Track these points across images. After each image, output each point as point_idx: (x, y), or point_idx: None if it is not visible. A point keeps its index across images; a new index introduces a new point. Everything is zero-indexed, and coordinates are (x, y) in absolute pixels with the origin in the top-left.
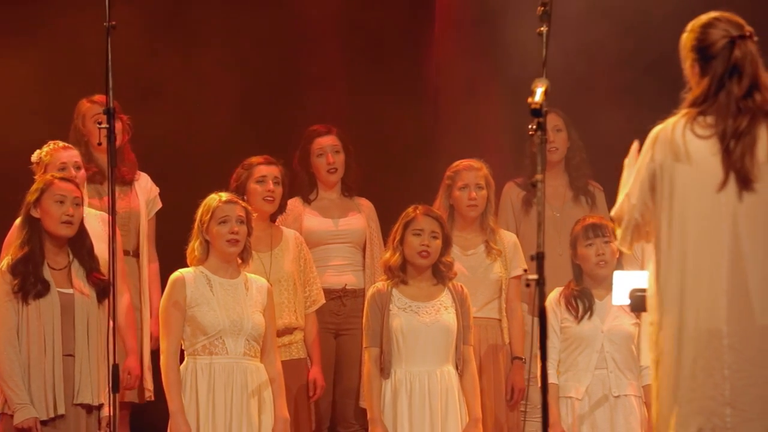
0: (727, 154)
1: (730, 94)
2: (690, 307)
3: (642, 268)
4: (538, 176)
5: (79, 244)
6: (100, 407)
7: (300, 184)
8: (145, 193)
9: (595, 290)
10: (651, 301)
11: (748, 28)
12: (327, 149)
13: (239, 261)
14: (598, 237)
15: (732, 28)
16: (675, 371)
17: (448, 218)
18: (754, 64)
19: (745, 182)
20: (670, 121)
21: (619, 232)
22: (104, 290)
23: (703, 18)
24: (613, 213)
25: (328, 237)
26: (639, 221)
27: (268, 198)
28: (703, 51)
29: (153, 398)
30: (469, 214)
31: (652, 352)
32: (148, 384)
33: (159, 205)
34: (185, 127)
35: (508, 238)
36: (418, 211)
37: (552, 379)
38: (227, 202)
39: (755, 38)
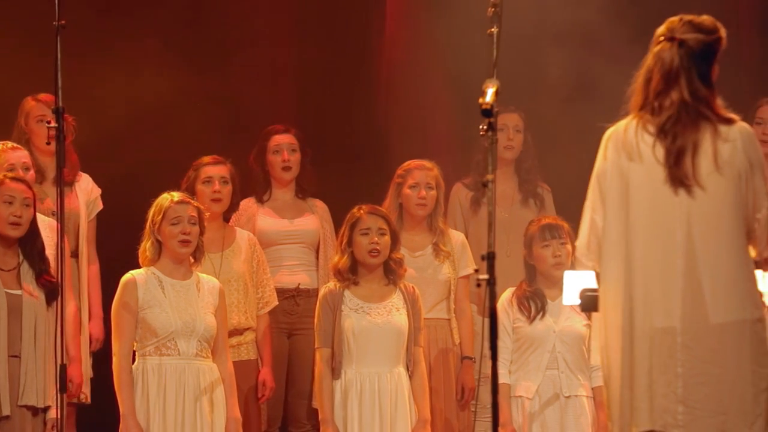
0: (665, 150)
1: (668, 96)
2: (644, 306)
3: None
4: (489, 176)
5: (31, 245)
6: (46, 409)
7: (255, 181)
8: (85, 194)
9: (547, 291)
10: (603, 300)
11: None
12: (284, 147)
13: (191, 260)
14: (554, 238)
15: (684, 29)
16: (629, 369)
17: (397, 218)
18: (670, 65)
19: (684, 183)
20: (622, 123)
21: (590, 258)
22: (53, 292)
23: (675, 17)
24: (579, 243)
25: (282, 237)
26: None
27: (215, 198)
28: (654, 51)
29: (89, 401)
30: (417, 212)
31: (603, 351)
32: (84, 387)
33: (100, 206)
34: (128, 129)
35: (456, 237)
36: (362, 211)
37: (504, 379)
38: (179, 202)
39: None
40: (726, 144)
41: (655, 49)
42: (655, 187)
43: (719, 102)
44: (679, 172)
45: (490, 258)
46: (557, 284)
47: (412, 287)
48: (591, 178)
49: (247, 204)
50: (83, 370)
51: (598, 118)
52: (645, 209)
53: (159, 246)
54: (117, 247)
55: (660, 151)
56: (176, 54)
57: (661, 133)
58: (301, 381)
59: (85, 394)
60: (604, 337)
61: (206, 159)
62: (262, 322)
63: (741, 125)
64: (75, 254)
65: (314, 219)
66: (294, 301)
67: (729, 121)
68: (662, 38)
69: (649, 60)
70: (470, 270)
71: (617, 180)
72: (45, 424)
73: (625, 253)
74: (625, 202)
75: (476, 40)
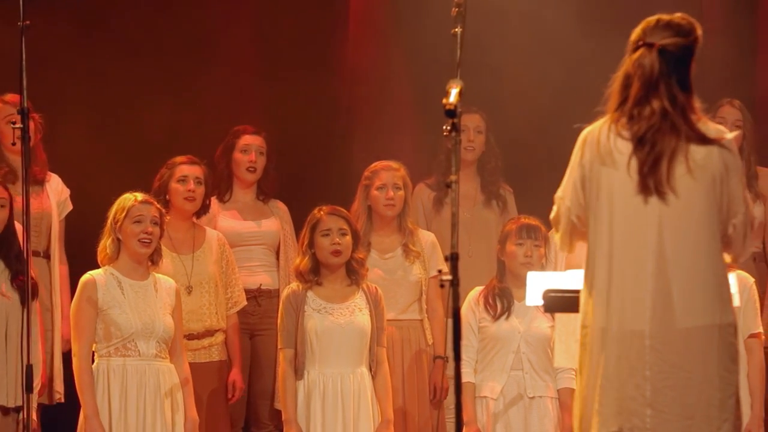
0: (640, 158)
1: (648, 104)
2: (616, 308)
3: (555, 270)
4: (453, 177)
5: (8, 245)
6: (18, 409)
7: (218, 177)
8: (56, 194)
9: (516, 291)
10: (581, 302)
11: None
12: (252, 148)
13: (149, 263)
14: (530, 239)
15: (662, 34)
16: (599, 371)
17: (366, 220)
18: (650, 72)
19: (657, 190)
20: (597, 124)
21: (557, 236)
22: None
23: (651, 18)
24: (551, 216)
25: (244, 239)
26: (576, 223)
27: (189, 197)
28: (630, 52)
29: (63, 400)
30: (386, 213)
31: (579, 352)
32: (58, 386)
33: (69, 207)
34: (96, 129)
35: (426, 237)
36: (322, 212)
37: (468, 377)
38: (143, 202)
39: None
40: (702, 147)
41: (635, 55)
42: (628, 192)
43: (697, 105)
44: (653, 179)
45: (453, 259)
46: (525, 283)
47: (375, 287)
48: (565, 177)
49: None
50: (56, 369)
51: (564, 120)
52: (619, 212)
53: (118, 244)
54: (83, 247)
55: (634, 162)
56: (141, 53)
57: (639, 143)
58: (263, 381)
59: (59, 393)
60: (582, 337)
61: (181, 158)
62: (231, 322)
63: (718, 128)
64: (47, 254)
65: (275, 220)
66: (256, 302)
67: (704, 140)
68: (641, 44)
69: (627, 64)
70: (437, 271)
71: (592, 183)
72: (17, 424)
73: (601, 256)
74: (599, 205)
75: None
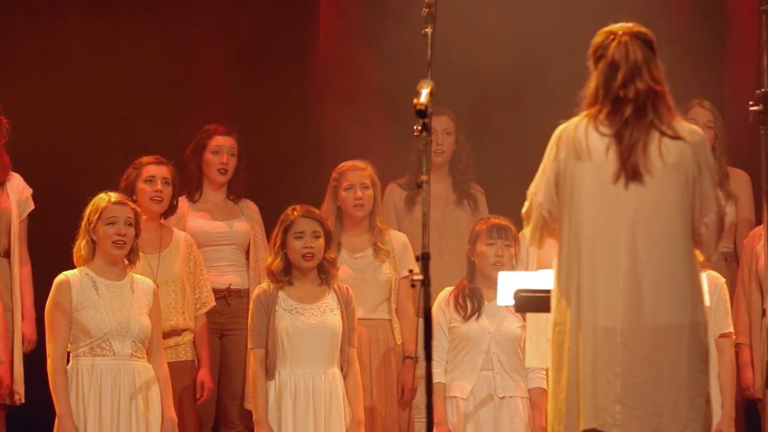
0: (618, 145)
1: (613, 88)
2: (589, 305)
3: (527, 269)
4: (424, 177)
5: None
6: None
7: (188, 177)
8: (16, 193)
9: (486, 291)
10: (553, 300)
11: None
12: (224, 149)
13: (126, 262)
14: (501, 238)
15: (620, 30)
16: (573, 368)
17: (336, 220)
18: (633, 57)
19: (635, 174)
20: (573, 121)
21: (528, 230)
22: None
23: (611, 26)
24: (522, 211)
25: (214, 239)
26: (547, 218)
27: (156, 198)
28: (594, 53)
29: (23, 401)
30: (356, 214)
31: (552, 350)
32: (18, 387)
33: (31, 206)
34: (61, 129)
35: (397, 238)
36: (296, 213)
37: (439, 378)
38: (116, 203)
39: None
40: (676, 143)
41: (612, 44)
42: (603, 187)
43: (671, 102)
44: (632, 163)
45: (424, 258)
46: (495, 283)
47: (346, 288)
48: (537, 173)
49: (179, 203)
50: (16, 370)
51: (536, 120)
52: (592, 208)
53: (93, 245)
54: (52, 247)
55: (613, 151)
56: (107, 51)
57: (617, 135)
58: (233, 381)
59: (20, 393)
60: (556, 336)
61: (148, 159)
62: (200, 322)
63: (692, 128)
64: (7, 254)
65: (244, 220)
66: (225, 302)
67: (677, 137)
68: (613, 37)
69: (610, 54)
70: (407, 271)
71: (566, 179)
72: None
73: (571, 252)
74: (572, 200)
75: (411, 40)
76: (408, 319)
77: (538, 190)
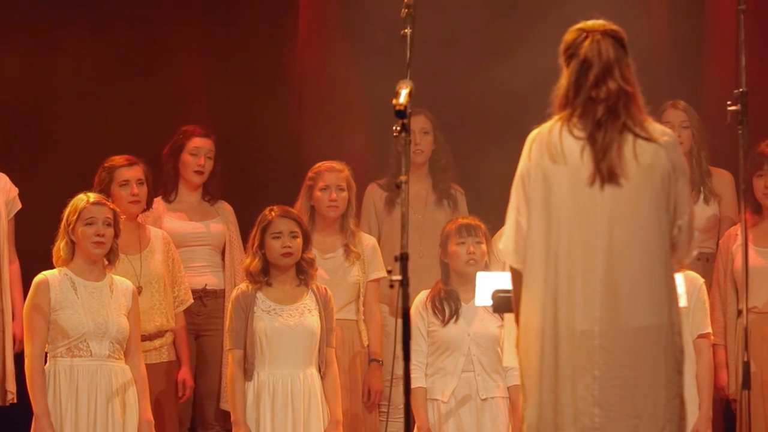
0: (592, 147)
1: (585, 88)
2: (566, 308)
3: (504, 269)
4: (403, 177)
5: None
6: None
7: (165, 177)
8: (3, 193)
9: (462, 293)
10: (525, 303)
11: (614, 29)
12: (202, 151)
13: (105, 263)
14: (470, 236)
15: (592, 27)
16: (553, 373)
17: (309, 219)
18: (606, 56)
19: (610, 176)
20: (547, 125)
21: (518, 260)
22: None
23: (582, 24)
24: (502, 245)
25: (188, 239)
26: (522, 223)
27: (134, 200)
28: (566, 52)
29: (15, 401)
30: (329, 214)
31: (524, 353)
32: (10, 386)
33: (18, 205)
34: (47, 128)
35: (367, 241)
36: (274, 214)
37: (419, 383)
38: (95, 203)
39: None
40: (650, 145)
41: (586, 43)
42: (579, 189)
43: (642, 103)
44: (606, 164)
45: (403, 259)
46: (471, 283)
47: (324, 288)
48: (514, 180)
49: (155, 203)
50: (8, 369)
51: (514, 121)
52: (568, 211)
53: (73, 246)
54: (35, 247)
55: (588, 153)
56: (87, 51)
57: (591, 137)
58: (209, 382)
59: (12, 393)
60: (523, 340)
61: (119, 160)
62: (179, 321)
63: (663, 129)
64: None
65: (220, 221)
66: (201, 302)
67: (650, 139)
68: (586, 35)
69: (583, 52)
70: (380, 274)
71: (540, 182)
72: None
73: (547, 256)
74: (548, 204)
75: (389, 41)
76: (374, 321)
77: (520, 215)
